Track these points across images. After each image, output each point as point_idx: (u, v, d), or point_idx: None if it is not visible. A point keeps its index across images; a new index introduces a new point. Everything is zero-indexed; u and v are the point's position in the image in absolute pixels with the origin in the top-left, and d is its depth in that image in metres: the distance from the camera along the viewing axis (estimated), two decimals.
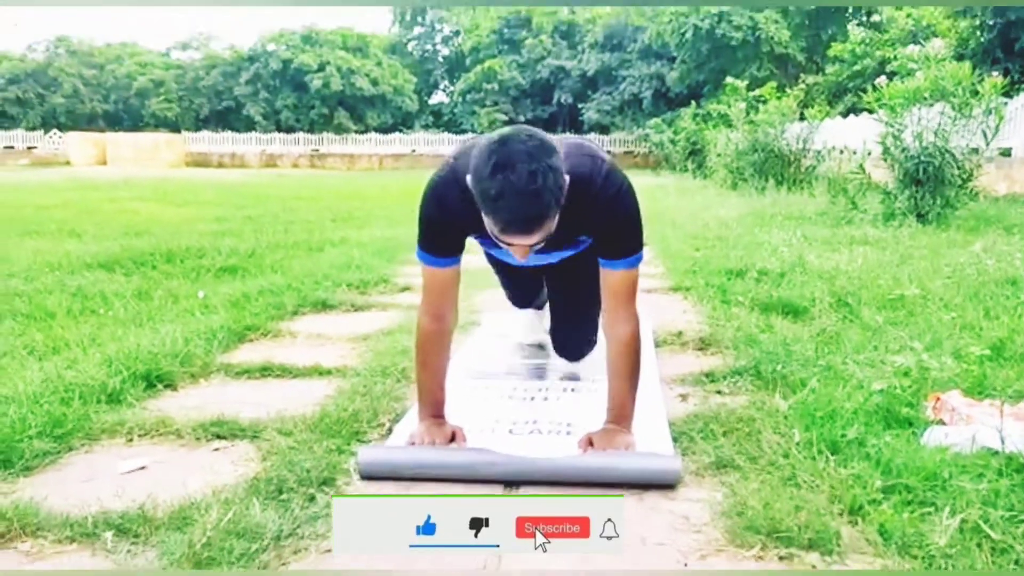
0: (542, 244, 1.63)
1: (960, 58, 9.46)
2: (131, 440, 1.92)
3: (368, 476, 1.69)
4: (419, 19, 38.87)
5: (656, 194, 11.31)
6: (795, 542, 1.38)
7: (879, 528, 1.40)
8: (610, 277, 1.83)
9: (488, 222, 1.58)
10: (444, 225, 1.81)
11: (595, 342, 2.42)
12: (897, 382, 2.27)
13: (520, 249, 1.63)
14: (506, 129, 1.61)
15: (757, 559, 1.36)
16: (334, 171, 27.47)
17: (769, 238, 5.77)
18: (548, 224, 1.57)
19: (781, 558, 1.36)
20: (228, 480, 1.65)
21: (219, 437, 1.93)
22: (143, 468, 1.76)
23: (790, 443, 1.77)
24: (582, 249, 2.11)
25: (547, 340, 2.81)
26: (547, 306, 2.87)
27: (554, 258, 2.07)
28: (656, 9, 28.19)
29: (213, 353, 2.64)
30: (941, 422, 2.06)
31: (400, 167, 29.11)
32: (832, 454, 1.70)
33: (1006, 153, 10.78)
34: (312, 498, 1.57)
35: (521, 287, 2.67)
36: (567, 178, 1.59)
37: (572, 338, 2.46)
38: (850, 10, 25.53)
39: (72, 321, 3.25)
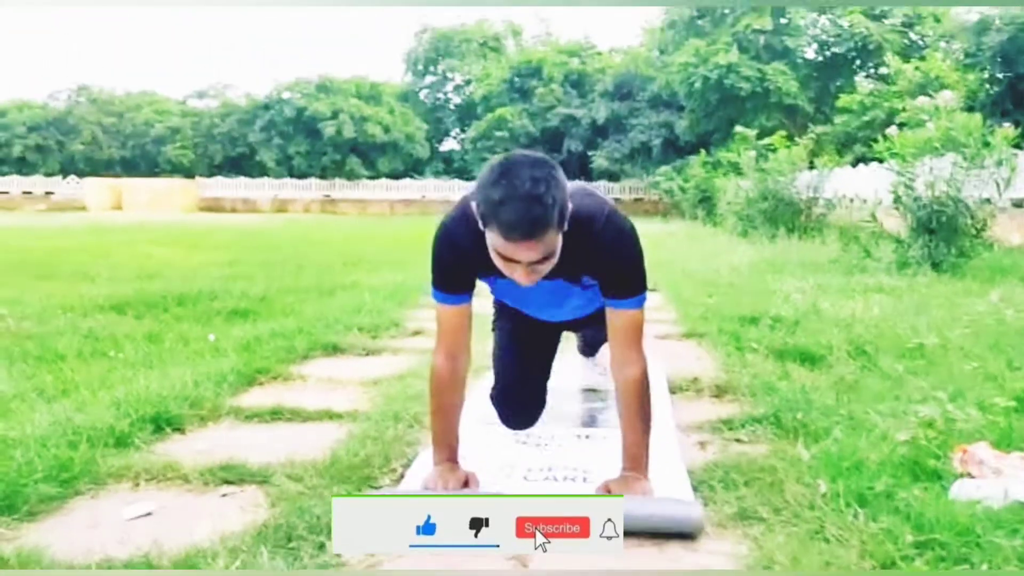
0: (546, 264, 1.61)
1: (970, 110, 9.50)
2: (137, 485, 1.88)
3: None
4: (431, 68, 39.43)
5: (666, 241, 11.31)
6: None
7: None
8: (616, 317, 1.81)
9: (492, 236, 1.57)
10: (455, 261, 1.80)
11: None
12: (922, 433, 2.21)
13: (524, 271, 1.60)
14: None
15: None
16: (345, 216, 27.66)
17: (781, 285, 5.72)
18: (551, 235, 1.56)
19: None
20: (236, 527, 1.60)
21: (227, 482, 1.89)
22: (149, 514, 1.72)
23: (815, 494, 1.71)
24: (593, 311, 2.09)
25: (600, 384, 2.80)
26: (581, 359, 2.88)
27: (564, 311, 2.05)
28: (665, 59, 28.55)
29: (223, 396, 2.61)
30: (969, 475, 2.00)
31: (411, 212, 29.28)
32: (860, 507, 1.64)
33: (1019, 204, 10.75)
34: (322, 546, 1.52)
35: (527, 369, 2.29)
36: (570, 206, 1.60)
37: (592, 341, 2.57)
38: (857, 62, 25.80)
39: (82, 363, 3.23)
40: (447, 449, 1.87)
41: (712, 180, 18.24)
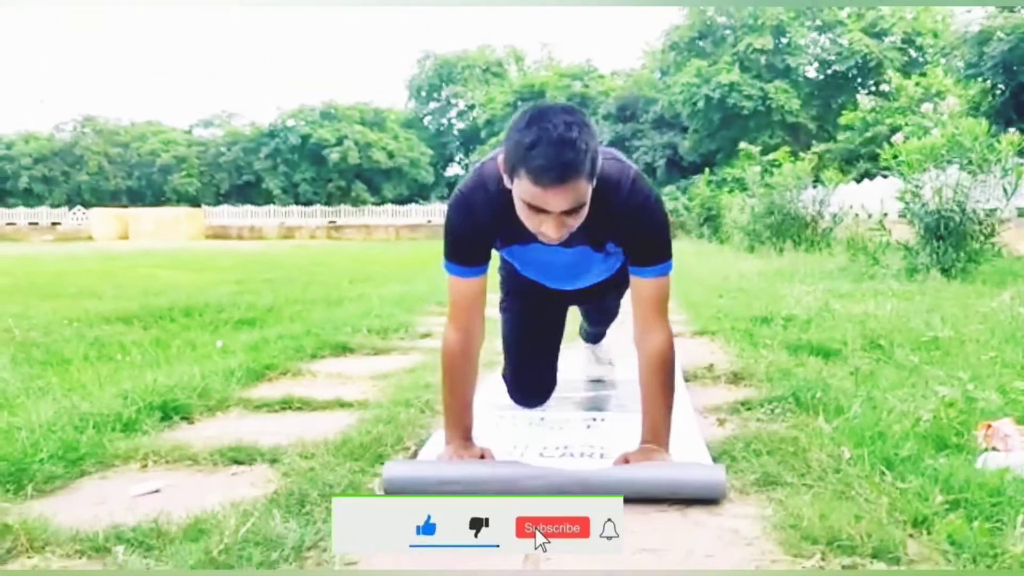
0: (575, 216, 1.56)
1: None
2: (145, 466, 1.84)
3: (393, 493, 1.60)
4: (434, 94, 39.75)
5: (674, 257, 11.26)
6: (858, 551, 1.27)
7: (948, 538, 1.30)
8: (640, 285, 1.77)
9: (521, 184, 1.52)
10: (471, 231, 1.76)
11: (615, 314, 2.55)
12: (943, 412, 2.16)
13: (553, 222, 1.55)
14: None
15: (818, 569, 1.26)
16: (351, 242, 27.71)
17: (791, 291, 5.68)
18: (583, 183, 1.52)
19: (844, 567, 1.25)
20: (247, 498, 1.56)
21: (237, 462, 1.85)
22: (157, 491, 1.67)
23: (839, 461, 1.66)
24: (610, 276, 2.06)
25: (606, 374, 2.77)
26: (587, 349, 2.84)
27: (584, 268, 2.00)
28: (667, 80, 28.72)
29: (231, 389, 2.57)
30: (995, 449, 1.96)
31: (417, 237, 29.32)
32: (887, 469, 1.59)
33: None
34: None
35: (538, 348, 2.30)
36: (600, 161, 1.57)
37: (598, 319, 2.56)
38: (859, 79, 25.91)
39: (88, 365, 3.20)
40: (461, 426, 1.83)
41: (717, 198, 18.25)
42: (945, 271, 6.89)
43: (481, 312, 1.84)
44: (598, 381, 2.79)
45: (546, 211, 1.54)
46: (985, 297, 5.19)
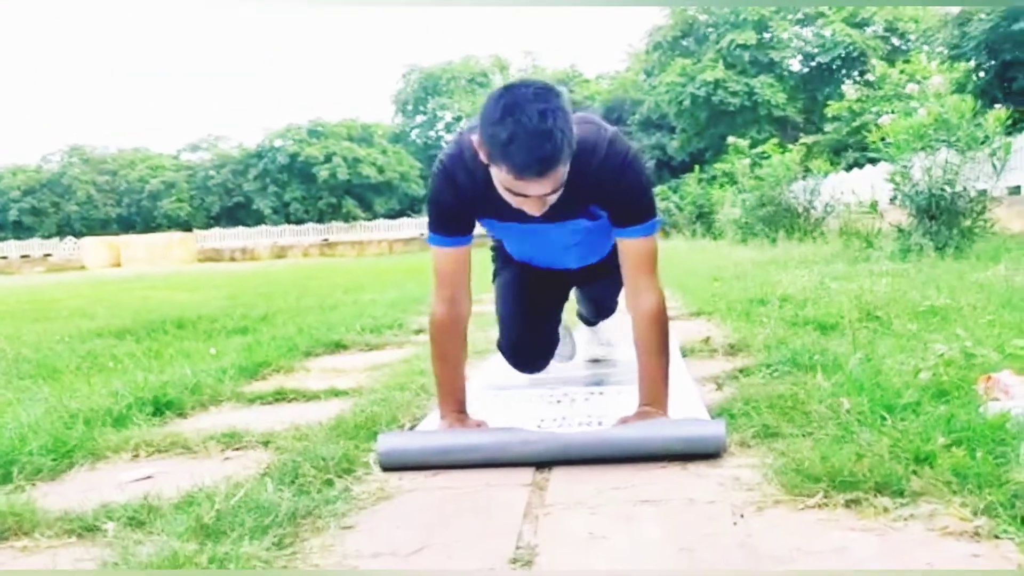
0: (555, 196, 1.56)
1: None
2: (137, 456, 1.81)
3: (389, 466, 1.57)
4: (420, 108, 39.80)
5: (668, 254, 11.25)
6: (860, 487, 1.25)
7: (952, 469, 1.27)
8: (627, 246, 1.76)
9: (501, 173, 1.52)
10: (454, 201, 1.74)
11: (612, 310, 2.51)
12: (943, 369, 2.14)
13: (534, 202, 1.55)
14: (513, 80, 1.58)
15: (821, 507, 1.24)
16: (344, 258, 27.65)
17: (786, 275, 5.67)
18: (561, 169, 1.51)
19: (848, 503, 1.23)
20: (240, 476, 1.53)
21: (230, 447, 1.82)
22: (149, 477, 1.64)
23: (839, 411, 1.64)
24: (600, 259, 2.05)
25: (605, 354, 2.75)
26: (584, 332, 2.82)
27: (573, 242, 1.98)
28: (652, 81, 28.79)
29: (224, 385, 2.54)
30: (996, 400, 1.94)
31: (410, 250, 29.27)
32: (887, 415, 1.57)
33: (1015, 191, 10.73)
34: (330, 483, 1.45)
35: (534, 316, 2.24)
36: (576, 131, 1.54)
37: (598, 303, 2.51)
38: (843, 70, 26.00)
39: (80, 376, 3.16)
40: (454, 400, 1.81)
41: (709, 194, 18.27)
42: (939, 249, 6.89)
43: (467, 282, 1.82)
44: (597, 361, 2.77)
45: (526, 195, 1.55)
46: (979, 270, 5.19)
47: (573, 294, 2.50)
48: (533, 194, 1.53)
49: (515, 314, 2.20)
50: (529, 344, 2.22)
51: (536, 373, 2.28)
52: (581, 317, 2.79)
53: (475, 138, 1.57)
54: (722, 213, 15.45)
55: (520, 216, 1.65)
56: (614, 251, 1.88)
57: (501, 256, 2.25)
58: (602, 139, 1.70)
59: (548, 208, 1.61)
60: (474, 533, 1.25)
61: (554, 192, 1.56)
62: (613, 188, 1.72)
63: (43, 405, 2.18)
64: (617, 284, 1.98)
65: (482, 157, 1.57)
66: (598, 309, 2.60)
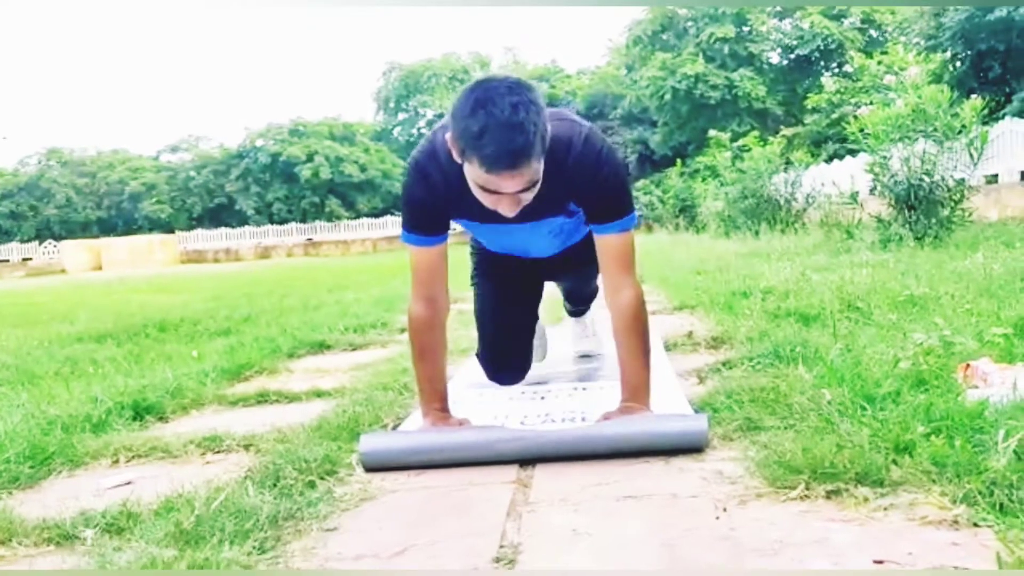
0: (530, 192, 1.55)
1: None
2: (116, 461, 1.79)
3: (371, 466, 1.57)
4: (402, 105, 39.68)
5: (650, 248, 11.28)
6: (841, 477, 1.26)
7: (931, 458, 1.28)
8: (604, 243, 1.76)
9: (473, 169, 1.51)
10: (429, 199, 1.73)
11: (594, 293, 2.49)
12: (922, 359, 2.15)
13: (508, 200, 1.54)
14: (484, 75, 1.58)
15: (802, 498, 1.24)
16: (329, 257, 27.54)
17: (769, 267, 5.69)
18: (534, 164, 1.50)
19: (829, 494, 1.23)
20: (221, 480, 1.52)
21: (211, 451, 1.80)
22: (129, 483, 1.63)
23: (820, 402, 1.65)
24: (576, 241, 2.04)
25: (593, 348, 2.74)
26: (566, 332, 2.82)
27: (548, 238, 1.98)
28: (633, 76, 28.82)
29: (206, 388, 2.52)
30: (975, 388, 1.95)
31: (395, 248, 29.15)
32: (867, 405, 1.58)
33: (992, 180, 10.83)
34: (312, 484, 1.45)
35: (514, 332, 2.26)
36: (549, 127, 1.53)
37: (579, 293, 2.51)
38: (822, 63, 26.14)
39: (60, 381, 3.13)
40: (436, 397, 1.80)
41: (691, 187, 18.33)
42: (918, 239, 6.94)
43: (444, 281, 1.81)
44: (587, 356, 2.76)
45: (500, 192, 1.53)
46: (958, 259, 5.23)
47: (552, 286, 2.50)
48: (506, 191, 1.52)
49: (496, 332, 2.22)
50: (509, 360, 2.24)
51: (512, 384, 2.26)
52: (568, 310, 2.78)
53: (448, 136, 1.56)
54: (704, 206, 15.52)
55: (496, 217, 1.63)
56: (589, 235, 1.90)
57: (477, 258, 2.24)
58: (577, 135, 1.69)
59: (524, 207, 1.60)
60: (457, 532, 1.25)
61: (527, 190, 1.55)
62: (589, 184, 1.71)
63: (21, 412, 2.15)
64: (595, 266, 2.00)
65: (455, 155, 1.56)
66: (581, 292, 2.59)
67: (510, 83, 1.51)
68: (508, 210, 1.58)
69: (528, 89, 1.51)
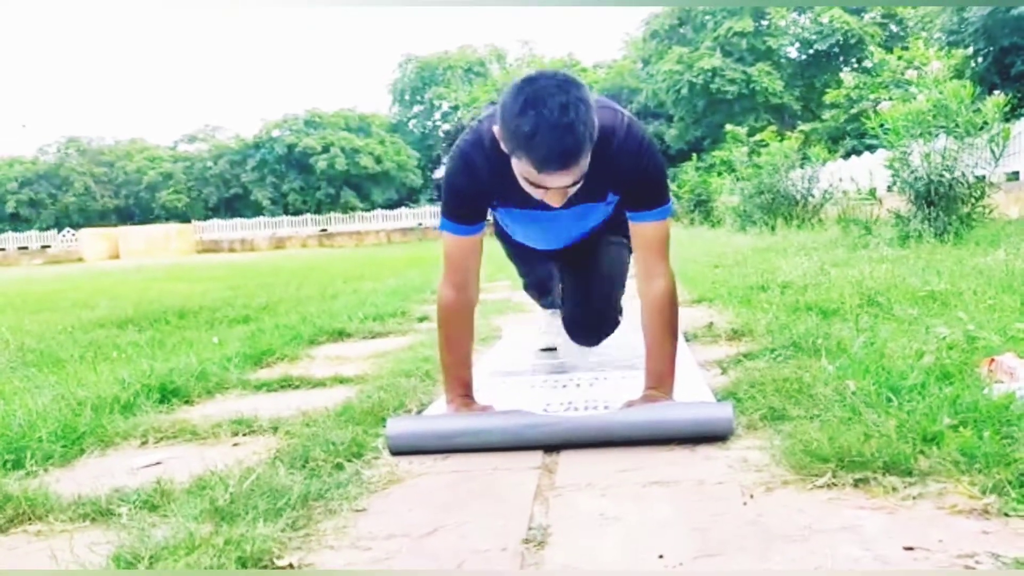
0: (576, 188, 1.58)
1: None
2: (146, 442, 1.82)
3: (398, 450, 1.58)
4: (418, 97, 39.69)
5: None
6: (869, 466, 1.26)
7: (960, 449, 1.28)
8: (641, 230, 1.77)
9: (522, 165, 1.52)
10: (472, 189, 1.75)
11: (615, 323, 2.32)
12: (946, 353, 2.15)
13: (556, 193, 1.57)
14: (531, 71, 1.58)
15: (829, 486, 1.25)
16: (343, 248, 27.63)
17: (786, 263, 5.67)
18: (583, 161, 1.52)
19: (856, 482, 1.24)
20: (251, 461, 1.54)
21: (239, 433, 1.83)
22: (159, 463, 1.65)
23: (845, 393, 1.65)
24: (600, 224, 2.05)
25: (559, 343, 2.71)
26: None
27: (568, 236, 2.00)
28: (650, 70, 28.71)
29: (229, 372, 2.55)
30: (1000, 383, 1.94)
31: (409, 240, 29.26)
32: (893, 396, 1.58)
33: (1013, 177, 10.73)
34: (340, 466, 1.46)
35: (539, 266, 2.50)
36: (596, 120, 1.54)
37: (586, 317, 2.30)
38: (841, 57, 25.93)
39: (86, 365, 3.16)
40: (460, 384, 1.82)
41: (707, 182, 18.26)
42: (938, 235, 6.89)
43: (476, 270, 1.83)
44: (550, 350, 2.70)
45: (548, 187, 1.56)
46: (979, 256, 5.20)
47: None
48: (554, 186, 1.54)
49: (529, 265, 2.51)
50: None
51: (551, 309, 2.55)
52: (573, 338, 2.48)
53: (496, 128, 1.57)
54: (720, 201, 15.45)
55: (538, 203, 1.66)
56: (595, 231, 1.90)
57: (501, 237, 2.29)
58: (620, 124, 1.71)
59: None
60: (486, 514, 1.26)
61: (575, 183, 1.57)
62: (631, 172, 1.73)
63: (50, 393, 2.19)
64: (596, 272, 2.02)
65: (503, 147, 1.57)
66: (599, 316, 2.32)
67: (559, 80, 1.51)
68: (555, 201, 1.61)
69: (576, 86, 1.51)
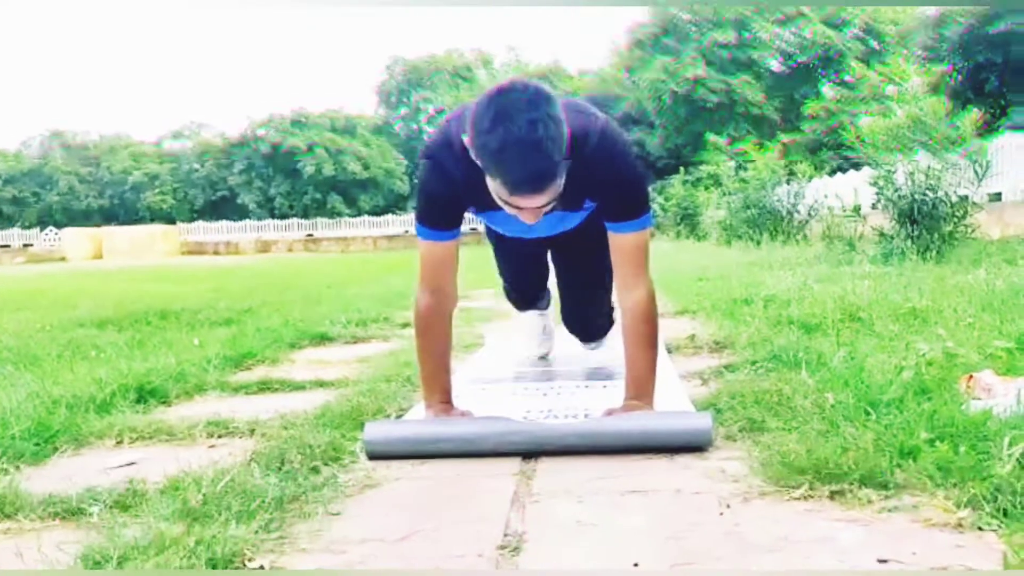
0: (550, 206, 1.56)
1: None
2: (120, 442, 1.80)
3: (375, 455, 1.57)
4: (404, 100, 39.70)
5: (653, 254, 11.22)
6: (845, 479, 1.26)
7: (936, 463, 1.29)
8: (618, 241, 1.75)
9: (495, 186, 1.51)
10: (445, 194, 1.73)
11: (610, 320, 2.37)
12: (925, 369, 2.16)
13: (530, 212, 1.55)
14: (504, 81, 1.56)
15: (806, 498, 1.25)
16: (329, 253, 27.51)
17: (770, 277, 5.70)
18: (557, 181, 1.50)
19: (833, 494, 1.24)
20: (226, 463, 1.52)
21: (216, 436, 1.81)
22: (132, 464, 1.63)
23: (824, 406, 1.66)
24: (584, 218, 2.03)
25: (551, 349, 2.71)
26: (552, 306, 2.79)
27: (560, 225, 1.98)
28: (634, 78, 28.81)
29: (208, 374, 2.52)
30: (978, 399, 1.96)
31: (395, 247, 29.14)
32: (871, 410, 1.59)
33: (996, 198, 10.84)
34: (316, 470, 1.45)
35: (523, 273, 2.47)
36: (568, 130, 1.52)
37: (582, 314, 2.37)
38: (821, 71, 26.20)
39: (63, 364, 3.13)
40: (439, 389, 1.80)
41: (693, 196, 18.34)
42: (920, 253, 6.95)
43: (453, 275, 1.81)
44: (544, 358, 2.72)
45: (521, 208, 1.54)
46: (960, 274, 5.24)
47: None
48: (527, 207, 1.52)
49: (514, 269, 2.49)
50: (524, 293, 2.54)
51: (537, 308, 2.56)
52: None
53: (466, 139, 1.54)
54: (707, 215, 15.53)
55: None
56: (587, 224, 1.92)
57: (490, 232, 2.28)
58: (594, 129, 1.67)
59: None
60: (462, 520, 1.25)
61: (549, 203, 1.55)
62: (605, 179, 1.70)
63: (24, 391, 2.16)
64: (592, 268, 2.03)
65: (473, 157, 1.54)
66: (585, 321, 2.48)
67: (530, 95, 1.48)
68: (529, 219, 1.58)
69: (548, 101, 1.48)
